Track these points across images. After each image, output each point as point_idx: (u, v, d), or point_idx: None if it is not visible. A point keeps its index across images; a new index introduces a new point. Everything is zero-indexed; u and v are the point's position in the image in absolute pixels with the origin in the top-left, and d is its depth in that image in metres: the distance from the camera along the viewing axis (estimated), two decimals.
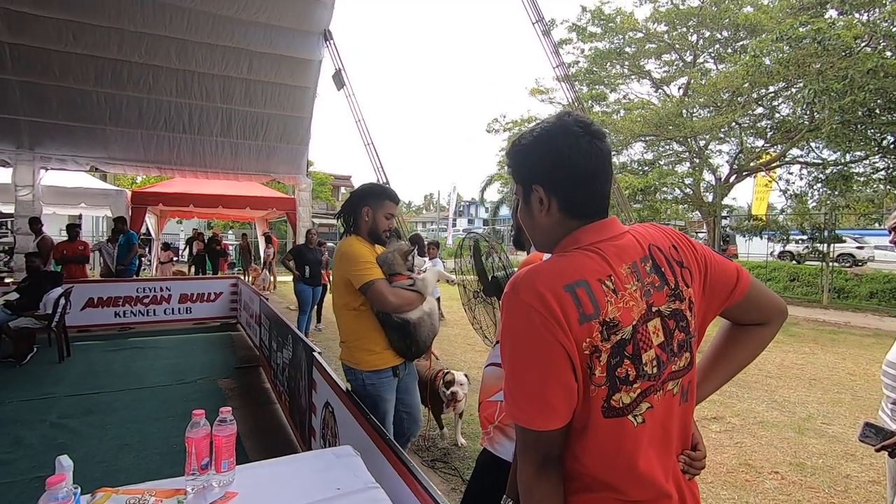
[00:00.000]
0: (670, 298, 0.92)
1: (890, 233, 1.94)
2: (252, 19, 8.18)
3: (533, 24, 7.38)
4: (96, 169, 9.53)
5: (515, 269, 2.36)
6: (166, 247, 13.70)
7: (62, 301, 5.65)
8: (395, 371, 2.29)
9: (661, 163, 15.95)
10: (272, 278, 13.10)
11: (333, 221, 27.57)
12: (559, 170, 0.92)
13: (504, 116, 18.88)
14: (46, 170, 8.45)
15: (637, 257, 0.91)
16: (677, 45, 15.11)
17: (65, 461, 1.08)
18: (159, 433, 3.55)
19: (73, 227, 7.59)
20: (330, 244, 8.86)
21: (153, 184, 14.74)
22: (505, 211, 39.37)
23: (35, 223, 7.31)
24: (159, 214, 13.33)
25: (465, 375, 3.57)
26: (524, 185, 0.98)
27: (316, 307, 7.57)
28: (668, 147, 16.32)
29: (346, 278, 2.22)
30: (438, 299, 2.55)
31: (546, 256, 1.28)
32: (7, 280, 7.47)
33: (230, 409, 1.41)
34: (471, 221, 55.16)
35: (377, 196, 2.33)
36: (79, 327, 6.67)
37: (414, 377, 2.54)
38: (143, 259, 9.21)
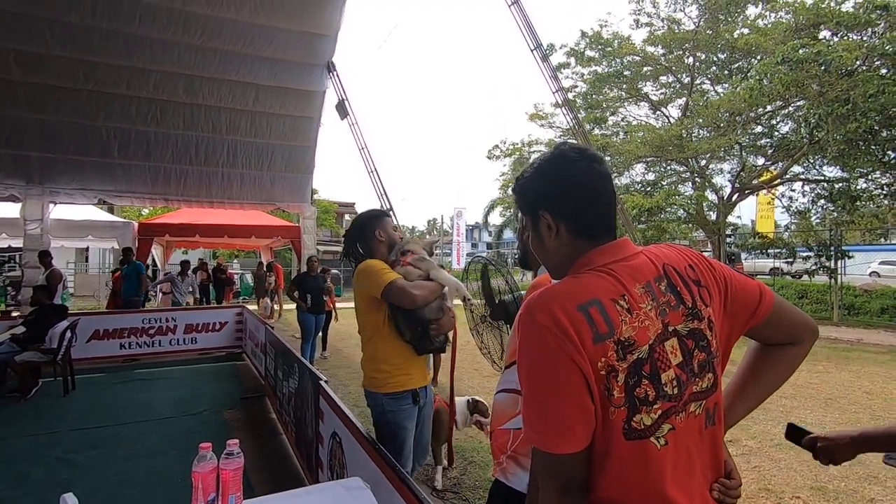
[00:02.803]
0: (687, 318, 0.91)
1: None
2: (258, 54, 8.40)
3: (531, 50, 7.54)
4: (104, 202, 9.67)
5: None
6: (169, 277, 13.71)
7: (68, 334, 5.65)
8: (415, 398, 2.25)
9: (664, 183, 16.02)
10: (277, 307, 13.07)
11: (338, 248, 27.70)
12: (562, 194, 0.96)
13: (505, 142, 19.12)
14: (55, 204, 8.57)
15: (651, 277, 0.91)
16: (674, 68, 15.36)
17: (70, 500, 1.06)
18: (164, 467, 3.49)
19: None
20: (334, 271, 8.88)
21: (160, 215, 14.90)
22: (509, 234, 39.49)
23: (45, 256, 7.38)
24: (165, 245, 13.44)
25: (470, 401, 3.52)
26: (532, 213, 1.02)
27: (321, 335, 7.53)
28: (668, 167, 16.44)
29: (367, 294, 2.21)
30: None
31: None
32: (14, 314, 7.49)
33: (237, 441, 1.39)
34: (474, 245, 55.27)
35: (379, 217, 2.42)
36: (84, 360, 6.64)
37: (431, 407, 2.49)
38: (148, 291, 9.27)
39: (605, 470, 0.85)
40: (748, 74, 13.32)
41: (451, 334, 2.42)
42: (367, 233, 2.36)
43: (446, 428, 2.96)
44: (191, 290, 10.81)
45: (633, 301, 0.87)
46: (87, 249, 19.64)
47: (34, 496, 3.08)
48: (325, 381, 2.84)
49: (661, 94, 16.44)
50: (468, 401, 3.50)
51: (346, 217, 35.87)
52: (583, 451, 0.84)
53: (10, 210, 8.84)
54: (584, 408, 0.82)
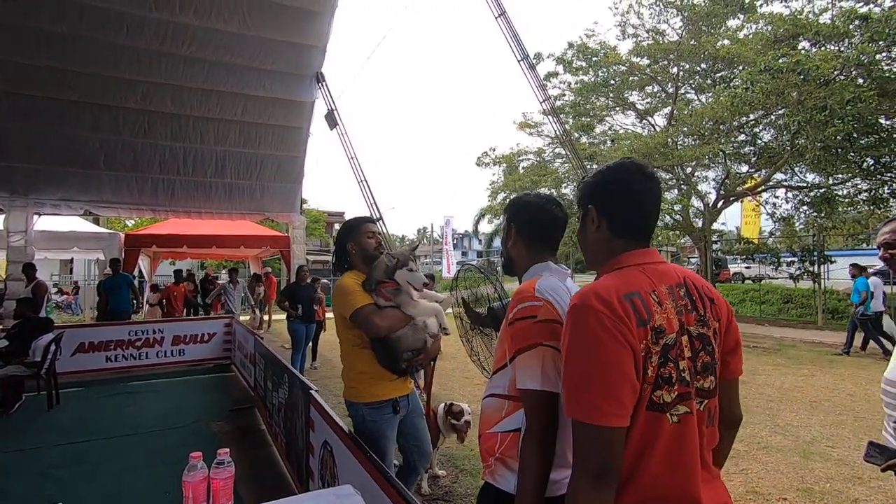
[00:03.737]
0: (698, 323, 1.05)
1: (879, 249, 1.97)
2: (246, 64, 8.40)
3: (518, 61, 7.65)
4: (90, 213, 9.55)
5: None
6: (155, 288, 13.52)
7: (52, 347, 5.55)
8: (395, 406, 2.25)
9: None
10: (266, 317, 12.96)
11: (328, 258, 27.59)
12: (610, 194, 1.13)
13: (494, 150, 19.24)
14: (40, 215, 8.46)
15: (673, 282, 1.07)
16: (659, 78, 15.62)
17: None
18: (151, 481, 3.45)
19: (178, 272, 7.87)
20: (324, 280, 8.85)
21: (146, 226, 14.74)
22: (499, 243, 39.56)
23: (29, 269, 7.25)
24: (152, 256, 13.28)
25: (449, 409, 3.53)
26: (583, 207, 1.18)
27: (311, 345, 7.49)
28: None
29: (341, 314, 2.23)
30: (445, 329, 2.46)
31: (542, 281, 1.31)
32: None
33: (228, 450, 1.39)
34: (465, 254, 55.33)
35: (353, 228, 2.42)
36: (70, 373, 6.52)
37: (420, 414, 2.50)
38: (135, 302, 9.14)
39: (628, 439, 0.96)
40: (731, 84, 13.60)
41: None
42: (343, 247, 2.41)
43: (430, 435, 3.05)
44: (242, 295, 10.74)
45: (661, 297, 1.02)
46: (71, 261, 19.34)
47: None
48: (316, 391, 2.84)
49: (647, 103, 16.69)
50: (443, 406, 3.53)
51: (336, 226, 35.78)
52: (624, 428, 0.94)
53: None
54: (633, 385, 0.94)
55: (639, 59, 15.51)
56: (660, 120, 16.78)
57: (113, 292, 8.23)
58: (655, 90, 16.30)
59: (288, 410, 3.54)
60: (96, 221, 13.89)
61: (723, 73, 14.37)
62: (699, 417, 1.01)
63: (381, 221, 9.34)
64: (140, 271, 12.89)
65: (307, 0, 8.00)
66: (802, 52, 11.13)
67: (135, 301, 8.73)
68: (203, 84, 8.40)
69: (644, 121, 17.04)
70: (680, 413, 0.97)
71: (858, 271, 8.73)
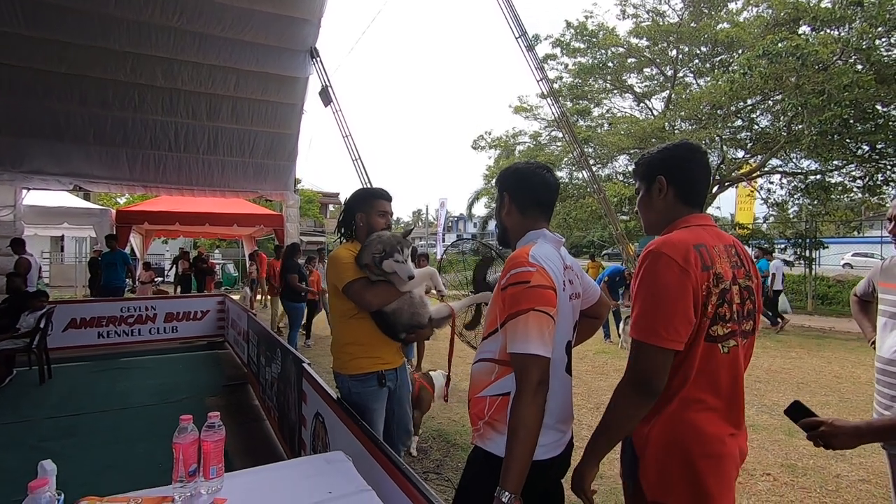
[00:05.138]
0: (745, 277, 1.28)
1: (890, 222, 1.95)
2: (238, 38, 8.20)
3: (516, 38, 7.52)
4: (79, 188, 9.41)
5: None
6: (147, 266, 13.44)
7: (43, 322, 5.52)
8: (380, 379, 2.23)
9: None
10: (260, 296, 12.95)
11: (321, 239, 27.46)
12: (679, 167, 1.32)
13: (489, 133, 19.09)
14: (28, 189, 8.33)
15: (727, 242, 1.29)
16: (658, 60, 15.47)
17: (48, 465, 1.06)
18: (144, 454, 3.46)
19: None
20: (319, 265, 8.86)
21: (137, 202, 14.57)
22: (493, 225, 39.44)
23: (17, 244, 7.14)
24: (144, 234, 13.15)
25: (445, 375, 3.59)
26: (648, 177, 1.36)
27: (305, 323, 7.50)
28: None
29: (334, 285, 2.22)
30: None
31: (536, 248, 1.30)
32: None
33: (218, 414, 1.39)
34: (459, 236, 55.31)
35: (367, 199, 2.32)
36: (61, 349, 6.50)
37: (407, 389, 2.49)
38: (129, 280, 9.09)
39: (685, 364, 1.18)
40: (730, 68, 13.49)
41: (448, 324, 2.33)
42: (352, 214, 2.33)
43: (427, 403, 3.61)
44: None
45: (720, 251, 1.24)
46: (62, 238, 19.14)
47: (7, 484, 3.02)
48: (308, 363, 2.84)
49: (646, 86, 16.56)
50: (443, 374, 3.64)
51: (331, 207, 35.56)
52: (673, 352, 1.16)
53: None
54: (689, 318, 1.15)
55: (638, 40, 15.34)
56: (657, 103, 16.69)
57: (108, 268, 8.20)
58: (654, 73, 16.16)
59: (281, 385, 3.55)
60: (87, 198, 13.72)
61: (722, 56, 14.24)
62: (742, 353, 1.25)
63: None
64: (132, 249, 12.78)
65: None
66: (802, 36, 11.04)
67: (129, 279, 8.69)
68: (194, 57, 8.20)
69: (642, 104, 16.93)
70: (730, 346, 1.20)
71: (762, 254, 9.86)
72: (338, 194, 36.13)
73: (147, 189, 9.18)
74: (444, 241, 28.17)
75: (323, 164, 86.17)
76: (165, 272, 17.24)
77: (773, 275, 9.32)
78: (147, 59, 8.01)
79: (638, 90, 16.68)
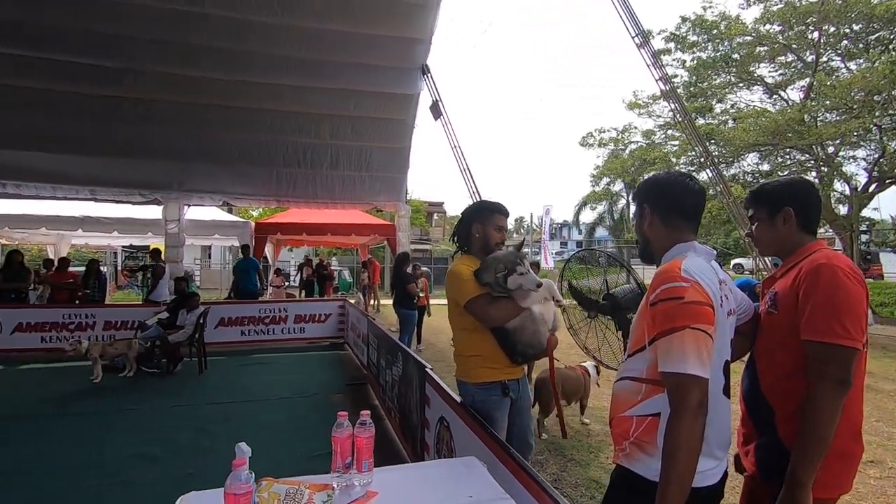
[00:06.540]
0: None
1: None
2: (358, 62, 8.85)
3: (633, 37, 7.19)
4: (226, 203, 10.78)
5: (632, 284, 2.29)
6: (278, 272, 14.97)
7: (201, 320, 6.42)
8: (504, 389, 2.24)
9: (781, 174, 14.45)
10: (374, 301, 13.73)
11: (427, 247, 28.41)
12: (803, 202, 1.50)
13: (601, 129, 18.39)
14: (189, 206, 9.73)
15: None
16: (794, 45, 13.78)
17: (244, 447, 1.23)
18: (287, 441, 3.85)
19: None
20: (424, 268, 9.20)
21: (270, 215, 16.31)
22: (602, 232, 37.81)
23: (155, 255, 8.46)
24: (275, 243, 14.68)
25: (595, 367, 4.24)
26: (775, 207, 1.52)
27: (416, 329, 7.81)
28: (787, 156, 14.78)
29: (455, 300, 2.27)
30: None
31: (687, 262, 1.24)
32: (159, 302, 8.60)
33: (369, 412, 1.51)
34: (563, 244, 53.80)
35: (485, 212, 2.37)
36: (212, 344, 7.47)
37: (528, 400, 2.48)
38: (259, 284, 10.20)
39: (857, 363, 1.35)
40: (889, 46, 11.60)
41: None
42: (468, 225, 2.38)
43: (550, 401, 3.78)
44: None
45: None
46: (209, 247, 22.08)
47: (182, 458, 3.55)
48: (430, 368, 2.96)
49: (780, 74, 14.84)
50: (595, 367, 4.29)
51: (436, 216, 36.66)
52: (858, 351, 1.30)
53: (135, 211, 10.39)
54: (865, 324, 1.31)
55: (769, 26, 13.81)
56: (793, 94, 14.86)
57: (243, 274, 9.29)
58: (790, 60, 14.42)
59: (402, 387, 3.73)
60: (229, 211, 15.68)
61: (881, 33, 12.26)
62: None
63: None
64: (266, 257, 14.33)
65: None
66: None
67: (259, 284, 9.75)
68: (322, 83, 9.01)
69: (774, 96, 15.19)
70: (864, 351, 1.35)
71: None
72: (442, 203, 37.17)
73: (280, 203, 10.27)
74: (548, 249, 27.56)
75: (425, 173, 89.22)
76: (292, 278, 19.07)
77: None
78: (283, 89, 8.95)
79: (770, 80, 15.00)
